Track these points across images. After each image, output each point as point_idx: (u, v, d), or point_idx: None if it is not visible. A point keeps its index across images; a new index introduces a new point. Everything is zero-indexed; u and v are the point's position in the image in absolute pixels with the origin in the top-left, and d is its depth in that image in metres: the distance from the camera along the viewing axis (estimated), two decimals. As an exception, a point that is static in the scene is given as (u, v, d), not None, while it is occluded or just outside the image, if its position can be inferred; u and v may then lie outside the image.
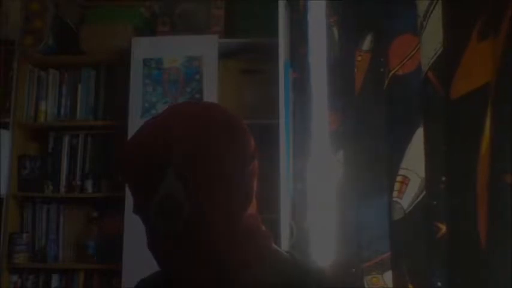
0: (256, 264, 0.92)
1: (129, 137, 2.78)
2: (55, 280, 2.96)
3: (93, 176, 3.02)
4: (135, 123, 2.74)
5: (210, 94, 2.80)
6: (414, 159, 1.02)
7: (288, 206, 2.47)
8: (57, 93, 3.11)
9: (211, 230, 0.87)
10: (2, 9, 3.03)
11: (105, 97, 3.09)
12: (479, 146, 0.73)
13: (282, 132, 2.53)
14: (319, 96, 2.02)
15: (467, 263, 0.77)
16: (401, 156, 1.04)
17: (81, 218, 3.05)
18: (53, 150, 3.07)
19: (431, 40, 0.88)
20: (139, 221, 0.91)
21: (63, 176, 3.03)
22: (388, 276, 1.20)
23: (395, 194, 1.05)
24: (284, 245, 2.34)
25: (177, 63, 2.87)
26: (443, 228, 0.85)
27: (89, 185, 3.00)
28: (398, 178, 1.05)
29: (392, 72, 1.07)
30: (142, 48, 2.91)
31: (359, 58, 1.31)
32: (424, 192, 0.97)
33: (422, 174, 0.97)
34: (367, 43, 1.29)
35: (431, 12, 0.88)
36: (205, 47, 2.87)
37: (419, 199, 1.01)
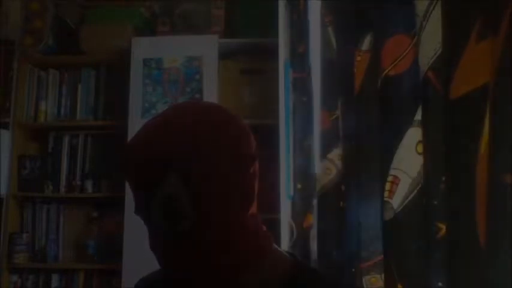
0: (256, 264, 0.92)
1: (129, 137, 2.76)
2: (55, 280, 2.96)
3: (93, 176, 3.02)
4: (135, 123, 2.74)
5: (210, 94, 2.80)
6: (405, 159, 1.02)
7: (288, 206, 2.47)
8: (57, 93, 3.11)
9: (212, 230, 0.87)
10: (2, 9, 3.03)
11: (105, 97, 3.09)
12: (479, 146, 0.73)
13: (282, 132, 2.53)
14: (318, 96, 2.02)
15: (467, 263, 0.77)
16: (392, 156, 1.04)
17: (81, 218, 3.05)
18: (53, 150, 3.08)
19: (431, 40, 0.88)
20: (140, 221, 0.92)
21: (63, 176, 3.03)
22: (388, 276, 1.20)
23: (386, 194, 1.05)
24: (284, 245, 2.34)
25: (177, 63, 2.87)
26: (444, 228, 0.85)
27: (89, 185, 3.00)
28: (389, 178, 1.05)
29: (385, 72, 1.07)
30: (142, 48, 2.91)
31: (358, 58, 1.31)
32: (415, 192, 0.98)
33: (413, 174, 0.97)
34: (366, 43, 1.29)
35: (431, 12, 0.88)
36: (205, 47, 2.87)
37: (409, 199, 1.01)
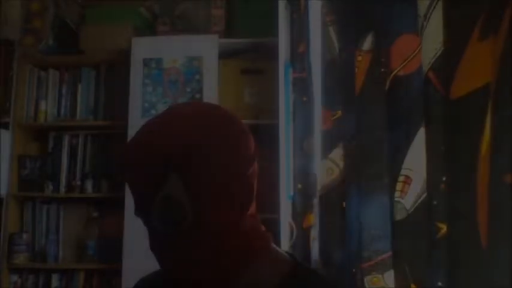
0: (255, 264, 0.92)
1: (129, 137, 2.76)
2: (55, 280, 2.96)
3: (93, 176, 3.01)
4: (135, 123, 2.74)
5: (210, 94, 2.80)
6: (416, 159, 1.01)
7: (288, 206, 2.47)
8: (57, 93, 3.11)
9: (212, 230, 0.87)
10: (2, 9, 3.03)
11: (105, 97, 3.08)
12: (480, 146, 0.73)
13: (282, 132, 2.53)
14: (319, 96, 2.02)
15: (468, 263, 0.77)
16: (404, 156, 1.04)
17: (81, 218, 3.04)
18: (53, 150, 3.07)
19: (432, 40, 0.88)
20: (140, 221, 0.91)
21: (63, 176, 3.03)
22: (389, 276, 1.20)
23: (397, 194, 1.05)
24: (284, 245, 2.34)
25: (177, 63, 2.87)
26: (444, 228, 0.85)
27: (89, 185, 3.00)
28: (401, 178, 1.05)
29: (394, 72, 1.07)
30: (142, 48, 2.91)
31: (359, 58, 1.31)
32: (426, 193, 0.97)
33: (425, 174, 0.97)
34: (367, 43, 1.29)
35: (432, 12, 0.88)
36: (205, 47, 2.87)
37: (421, 199, 1.01)
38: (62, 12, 3.13)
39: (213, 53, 2.85)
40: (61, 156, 3.04)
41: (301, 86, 2.36)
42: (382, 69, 1.17)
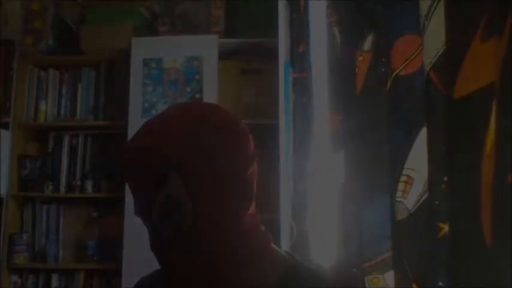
0: (255, 264, 0.92)
1: (129, 137, 2.77)
2: (55, 280, 2.96)
3: (93, 176, 3.02)
4: (135, 123, 2.74)
5: (210, 94, 2.80)
6: (419, 159, 1.01)
7: (288, 206, 2.47)
8: (57, 93, 3.11)
9: (213, 230, 0.87)
10: (2, 9, 3.03)
11: (105, 97, 3.09)
12: (483, 145, 0.72)
13: (282, 132, 2.53)
14: (320, 96, 2.02)
15: (471, 263, 0.77)
16: (406, 156, 1.04)
17: (81, 218, 3.05)
18: (53, 150, 3.07)
19: (433, 40, 0.87)
20: (140, 221, 0.92)
21: (63, 176, 3.03)
22: (389, 276, 1.20)
23: (399, 194, 1.05)
24: (284, 245, 2.34)
25: (177, 63, 2.87)
26: (445, 228, 0.85)
27: (89, 185, 3.00)
28: (403, 178, 1.05)
29: (396, 72, 1.06)
30: (142, 48, 2.91)
31: (360, 58, 1.31)
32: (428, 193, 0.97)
33: (427, 174, 0.96)
34: (368, 43, 1.29)
35: (433, 11, 0.88)
36: (205, 47, 2.87)
37: (423, 199, 1.01)
38: (62, 12, 3.13)
39: (213, 53, 2.85)
40: (61, 156, 3.05)
41: (301, 86, 2.36)
42: (383, 69, 1.17)
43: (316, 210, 2.02)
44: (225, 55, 2.89)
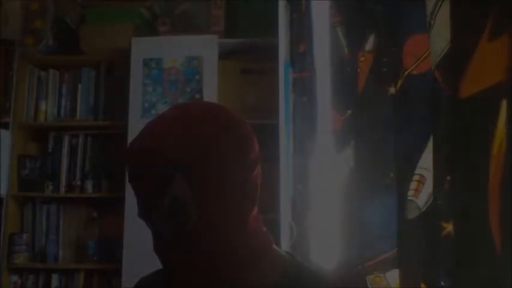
0: (256, 264, 0.92)
1: (129, 137, 2.75)
2: (55, 280, 2.96)
3: (93, 176, 3.01)
4: (135, 123, 2.74)
5: (210, 94, 2.80)
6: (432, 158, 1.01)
7: (288, 206, 2.47)
8: (57, 93, 3.11)
9: (214, 230, 0.87)
10: (2, 9, 3.03)
11: (105, 97, 3.09)
12: (490, 145, 0.72)
13: (282, 132, 2.53)
14: (323, 96, 2.02)
15: (475, 263, 0.76)
16: (419, 156, 1.04)
17: (81, 218, 3.04)
18: (53, 150, 3.07)
19: (438, 39, 0.87)
20: (140, 221, 0.91)
21: (63, 176, 3.03)
22: (391, 275, 1.20)
23: (411, 193, 1.05)
24: (284, 245, 2.34)
25: (177, 63, 2.87)
26: (448, 227, 0.85)
27: (89, 185, 3.00)
28: (416, 177, 1.04)
29: (408, 71, 1.06)
30: (142, 48, 2.91)
31: (362, 58, 1.31)
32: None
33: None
34: (369, 43, 1.29)
35: (438, 10, 0.87)
36: (205, 47, 2.86)
37: (432, 198, 1.01)
38: (62, 12, 3.13)
39: (213, 53, 2.85)
40: (61, 156, 3.04)
41: (301, 86, 2.36)
42: (384, 69, 1.17)
43: (318, 210, 2.02)
44: (225, 55, 2.89)
